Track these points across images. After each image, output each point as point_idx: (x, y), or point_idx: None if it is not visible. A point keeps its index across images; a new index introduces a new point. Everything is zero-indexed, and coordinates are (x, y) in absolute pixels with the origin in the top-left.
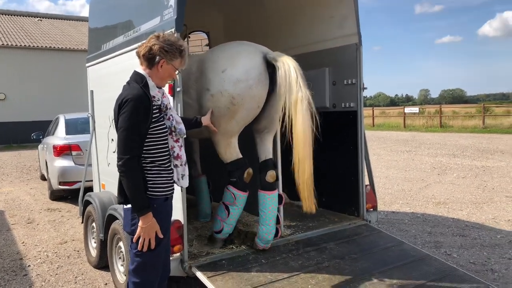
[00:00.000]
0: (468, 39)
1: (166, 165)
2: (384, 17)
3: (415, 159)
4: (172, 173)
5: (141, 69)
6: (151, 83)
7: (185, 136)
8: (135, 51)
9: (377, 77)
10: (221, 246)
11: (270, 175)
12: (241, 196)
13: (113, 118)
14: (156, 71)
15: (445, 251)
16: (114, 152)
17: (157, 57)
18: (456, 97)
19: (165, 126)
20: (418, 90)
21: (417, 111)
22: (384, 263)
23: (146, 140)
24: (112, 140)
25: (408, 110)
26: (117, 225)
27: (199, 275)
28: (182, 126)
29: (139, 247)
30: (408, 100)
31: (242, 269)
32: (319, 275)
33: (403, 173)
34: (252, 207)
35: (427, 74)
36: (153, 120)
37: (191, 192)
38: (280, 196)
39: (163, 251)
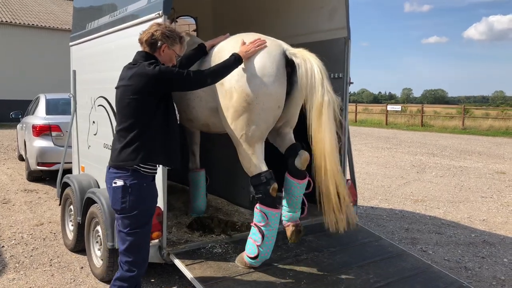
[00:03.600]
0: (453, 40)
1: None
2: (373, 12)
3: (395, 156)
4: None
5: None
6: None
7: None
8: (121, 31)
9: (362, 73)
10: (200, 235)
11: (303, 158)
12: (274, 214)
13: (124, 95)
14: (158, 55)
15: (421, 247)
16: (95, 134)
17: (159, 42)
18: (437, 98)
19: (167, 105)
20: (401, 89)
21: (400, 109)
22: (362, 257)
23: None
24: (93, 122)
25: (390, 107)
26: (95, 208)
27: (177, 262)
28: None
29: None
30: (391, 98)
31: (220, 258)
32: (297, 267)
33: (383, 169)
34: (233, 196)
35: (411, 73)
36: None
37: (183, 182)
38: (309, 182)
39: (150, 230)
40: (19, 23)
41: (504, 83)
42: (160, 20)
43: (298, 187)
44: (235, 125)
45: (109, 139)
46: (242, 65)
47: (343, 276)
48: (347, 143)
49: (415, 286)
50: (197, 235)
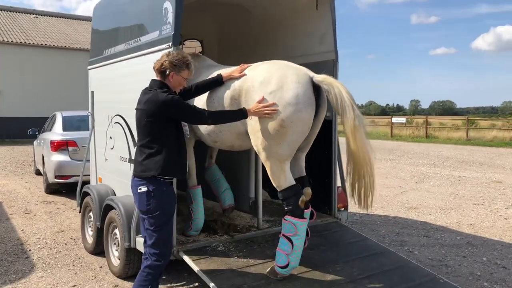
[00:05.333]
0: (461, 51)
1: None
2: (380, 25)
3: (396, 167)
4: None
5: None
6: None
7: (188, 136)
8: (135, 59)
9: (370, 86)
10: (205, 236)
11: (307, 193)
12: (302, 224)
13: (141, 117)
14: (168, 81)
15: (408, 248)
16: (112, 148)
17: (168, 70)
18: (446, 109)
19: (177, 125)
20: (409, 101)
21: (404, 121)
22: (348, 254)
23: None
24: (110, 137)
25: (395, 120)
26: (113, 214)
27: (186, 258)
28: (187, 128)
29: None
30: (399, 110)
31: (223, 255)
32: None
33: (383, 180)
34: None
35: (419, 84)
36: None
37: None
38: (312, 212)
39: (172, 227)
40: (33, 43)
41: None
42: (169, 51)
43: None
44: (268, 145)
45: (125, 152)
46: (277, 94)
47: (331, 270)
48: (337, 154)
49: (393, 278)
50: (203, 236)
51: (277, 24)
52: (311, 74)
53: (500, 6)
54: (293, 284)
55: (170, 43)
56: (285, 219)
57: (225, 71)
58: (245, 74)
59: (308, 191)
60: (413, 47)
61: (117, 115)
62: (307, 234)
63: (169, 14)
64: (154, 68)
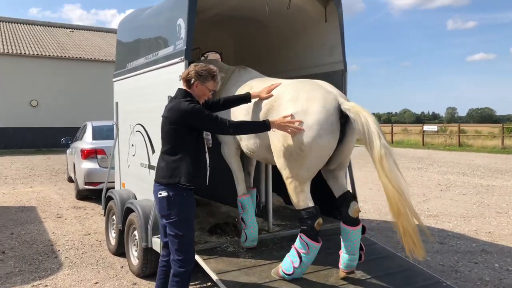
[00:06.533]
0: (501, 57)
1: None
2: (415, 32)
3: (423, 176)
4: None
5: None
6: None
7: (210, 145)
8: (154, 71)
9: (404, 93)
10: (217, 237)
11: (354, 209)
12: (314, 247)
13: (165, 124)
14: (192, 91)
15: None
16: (133, 155)
17: (193, 79)
18: (485, 116)
19: (199, 133)
20: (445, 108)
21: (436, 129)
22: None
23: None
24: (133, 145)
25: (427, 128)
26: (133, 216)
27: (197, 257)
28: (209, 138)
29: (292, 131)
30: (434, 118)
31: (232, 255)
32: None
33: (408, 188)
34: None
35: (456, 91)
36: None
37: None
38: (363, 227)
39: (193, 232)
40: (68, 56)
41: None
42: (182, 64)
43: (353, 233)
44: (288, 166)
45: (145, 159)
46: (300, 115)
47: (335, 272)
48: (349, 162)
49: (397, 281)
50: (215, 237)
51: (289, 37)
52: (341, 100)
53: None
54: (296, 283)
55: (183, 57)
56: (300, 237)
57: (256, 89)
58: (272, 95)
59: (355, 206)
60: (450, 53)
61: (138, 124)
62: (361, 249)
63: (182, 30)
64: (181, 77)
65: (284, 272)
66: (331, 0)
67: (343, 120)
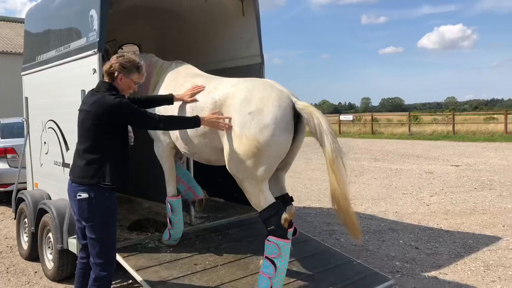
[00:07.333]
0: (409, 50)
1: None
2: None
3: None
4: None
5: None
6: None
7: (132, 143)
8: (66, 65)
9: (324, 85)
10: (137, 234)
11: (290, 213)
12: (285, 245)
13: (85, 119)
14: (117, 84)
15: (335, 237)
16: (46, 153)
17: (116, 72)
18: (395, 105)
19: (123, 131)
20: (360, 98)
21: (352, 119)
22: None
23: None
24: (45, 143)
25: (343, 117)
26: (47, 218)
27: (116, 255)
28: (132, 135)
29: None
30: (351, 108)
31: (153, 251)
32: (216, 254)
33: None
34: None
35: (370, 83)
36: None
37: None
38: (295, 229)
39: (115, 234)
40: None
41: (456, 89)
42: (95, 57)
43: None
44: (243, 167)
45: (59, 157)
46: (256, 115)
47: (254, 259)
48: None
49: (312, 263)
50: (135, 234)
51: (208, 30)
52: (293, 99)
53: (442, 6)
54: (217, 273)
55: (96, 49)
56: (268, 240)
57: (180, 92)
58: (196, 100)
59: (292, 210)
60: (364, 46)
61: (50, 120)
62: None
63: (94, 21)
64: (103, 69)
65: None
66: None
67: (296, 118)
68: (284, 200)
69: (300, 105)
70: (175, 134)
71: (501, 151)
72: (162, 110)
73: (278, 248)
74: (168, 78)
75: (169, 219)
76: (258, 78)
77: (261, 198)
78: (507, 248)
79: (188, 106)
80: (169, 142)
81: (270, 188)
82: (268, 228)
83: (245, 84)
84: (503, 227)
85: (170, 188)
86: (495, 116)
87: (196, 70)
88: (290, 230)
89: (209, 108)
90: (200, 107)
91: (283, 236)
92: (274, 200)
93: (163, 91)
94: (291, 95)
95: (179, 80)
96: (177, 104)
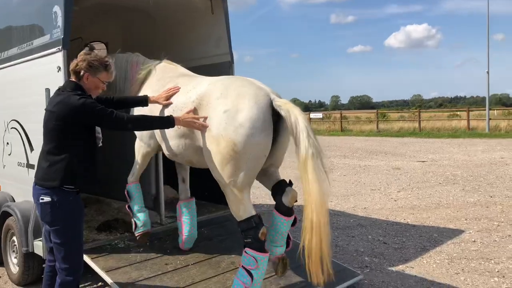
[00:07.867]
0: (376, 49)
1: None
2: (303, 25)
3: None
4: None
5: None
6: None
7: (100, 145)
8: (28, 62)
9: (294, 83)
10: (106, 234)
11: (291, 196)
12: (263, 258)
13: (49, 120)
14: (83, 83)
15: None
16: (9, 155)
17: (82, 71)
18: (363, 103)
19: (90, 133)
20: (330, 97)
21: (321, 116)
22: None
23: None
24: (8, 143)
25: (313, 115)
26: (10, 221)
27: (84, 257)
28: (100, 136)
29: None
30: (320, 106)
31: (123, 251)
32: (188, 253)
33: (291, 171)
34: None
35: (339, 81)
36: None
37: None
38: (295, 219)
39: (82, 238)
40: None
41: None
42: (60, 54)
43: (284, 224)
44: (223, 171)
45: (23, 158)
46: (231, 113)
47: (226, 258)
48: None
49: None
50: (104, 235)
51: (177, 28)
52: (272, 96)
53: (407, 6)
54: (188, 272)
55: (60, 46)
56: (245, 252)
57: (154, 94)
58: (171, 103)
59: (292, 192)
60: (333, 45)
61: (13, 120)
62: (288, 238)
63: (58, 18)
64: (69, 68)
65: None
66: None
67: (276, 117)
68: (281, 185)
69: (278, 101)
70: (159, 134)
71: (463, 147)
72: (148, 111)
73: (256, 261)
74: (153, 78)
75: (129, 207)
76: (239, 76)
77: (240, 207)
78: (469, 241)
79: (170, 106)
80: (152, 142)
81: (263, 183)
82: (245, 240)
83: (223, 81)
84: (466, 220)
85: (132, 179)
86: (458, 113)
87: (182, 69)
88: (290, 218)
89: (188, 108)
90: (179, 108)
91: (260, 249)
92: (254, 213)
93: (148, 91)
94: (271, 93)
95: (164, 79)
96: (158, 105)
